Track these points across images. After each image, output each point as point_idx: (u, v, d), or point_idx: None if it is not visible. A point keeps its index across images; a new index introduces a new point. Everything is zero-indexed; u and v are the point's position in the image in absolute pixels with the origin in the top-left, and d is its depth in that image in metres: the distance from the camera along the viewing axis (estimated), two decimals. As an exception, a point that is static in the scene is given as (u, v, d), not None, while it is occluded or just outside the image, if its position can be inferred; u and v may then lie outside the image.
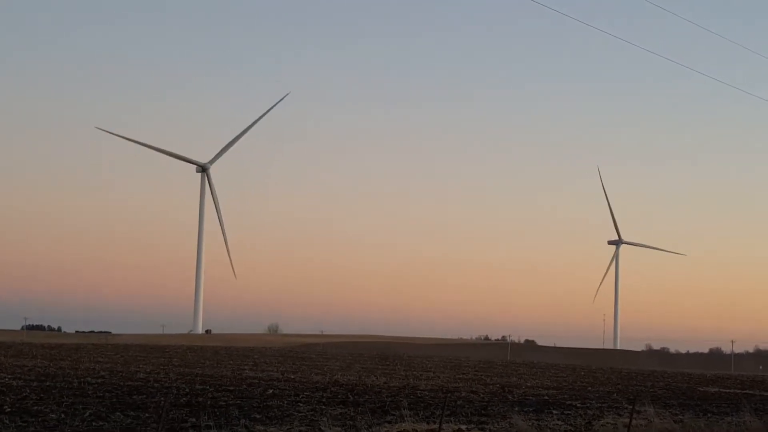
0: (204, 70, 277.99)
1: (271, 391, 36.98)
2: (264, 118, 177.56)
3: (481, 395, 40.28)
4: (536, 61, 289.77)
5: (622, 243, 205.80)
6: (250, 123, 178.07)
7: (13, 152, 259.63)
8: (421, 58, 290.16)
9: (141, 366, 54.77)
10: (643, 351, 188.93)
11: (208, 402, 30.41)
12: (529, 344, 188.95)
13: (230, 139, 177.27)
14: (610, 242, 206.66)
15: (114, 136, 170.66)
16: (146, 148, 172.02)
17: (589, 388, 50.44)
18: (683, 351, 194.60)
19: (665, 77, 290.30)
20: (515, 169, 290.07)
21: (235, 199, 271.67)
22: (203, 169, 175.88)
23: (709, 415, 33.07)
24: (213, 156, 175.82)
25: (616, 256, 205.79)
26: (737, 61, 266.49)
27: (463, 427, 25.94)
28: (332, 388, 40.14)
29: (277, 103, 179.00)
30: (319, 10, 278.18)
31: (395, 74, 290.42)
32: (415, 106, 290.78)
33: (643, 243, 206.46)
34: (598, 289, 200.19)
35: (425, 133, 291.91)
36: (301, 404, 30.75)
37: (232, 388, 38.03)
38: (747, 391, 53.50)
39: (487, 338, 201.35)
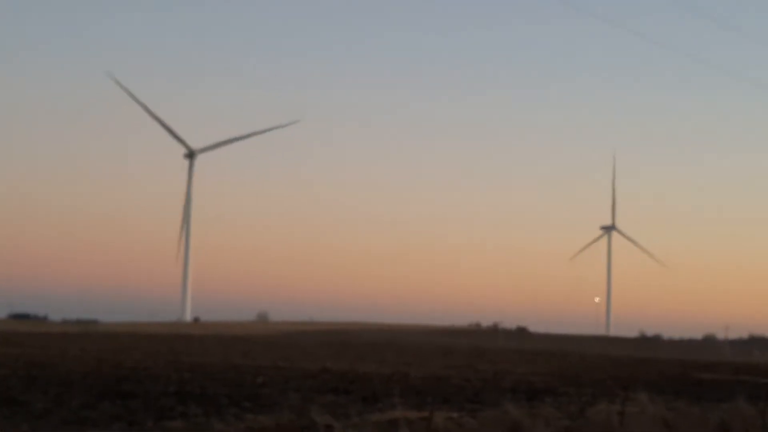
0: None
1: (260, 379, 36.68)
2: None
3: (473, 382, 40.07)
4: (539, 56, 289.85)
5: (614, 230, 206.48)
6: (252, 131, 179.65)
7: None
8: (425, 52, 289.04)
9: (129, 354, 54.32)
10: (636, 337, 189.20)
11: (197, 390, 30.10)
12: (521, 331, 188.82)
13: (228, 138, 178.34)
14: (603, 228, 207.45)
15: (123, 90, 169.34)
16: (145, 113, 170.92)
17: (582, 375, 50.27)
18: (677, 337, 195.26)
19: (660, 65, 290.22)
20: (506, 153, 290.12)
21: (224, 185, 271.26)
22: (191, 154, 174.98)
23: (703, 401, 32.91)
24: (205, 146, 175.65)
25: (608, 243, 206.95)
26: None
27: (455, 414, 25.69)
28: (322, 376, 39.88)
29: (280, 126, 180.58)
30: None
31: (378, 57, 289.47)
32: (410, 93, 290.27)
33: (634, 239, 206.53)
34: None
35: (418, 118, 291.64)
36: (291, 392, 30.44)
37: (221, 376, 37.71)
38: (741, 378, 53.45)
39: (478, 325, 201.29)
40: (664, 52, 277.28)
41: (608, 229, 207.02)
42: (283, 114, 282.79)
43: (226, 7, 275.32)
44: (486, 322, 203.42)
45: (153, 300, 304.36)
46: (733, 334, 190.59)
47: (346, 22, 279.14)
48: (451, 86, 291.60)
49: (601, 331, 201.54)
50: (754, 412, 27.55)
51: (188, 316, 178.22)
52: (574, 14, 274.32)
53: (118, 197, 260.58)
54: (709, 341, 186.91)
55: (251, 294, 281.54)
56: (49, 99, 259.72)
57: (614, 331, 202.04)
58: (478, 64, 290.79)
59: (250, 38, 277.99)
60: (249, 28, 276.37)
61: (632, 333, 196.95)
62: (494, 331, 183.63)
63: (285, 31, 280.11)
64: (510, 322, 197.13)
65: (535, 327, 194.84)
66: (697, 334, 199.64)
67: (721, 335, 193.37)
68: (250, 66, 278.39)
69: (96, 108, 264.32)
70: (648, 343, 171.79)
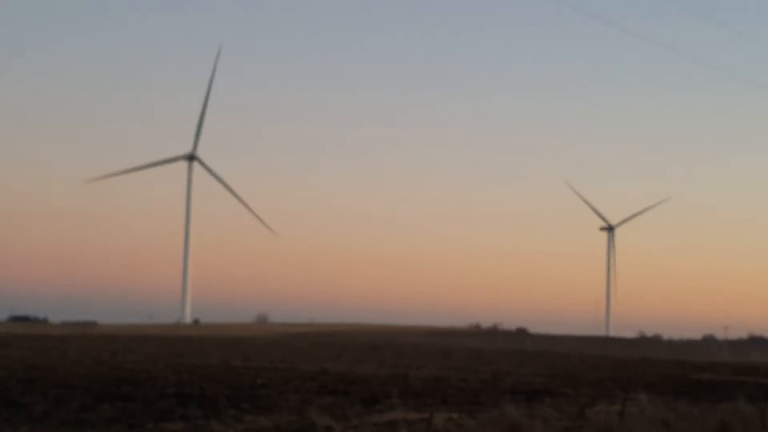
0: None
1: (260, 380, 36.66)
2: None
3: (472, 384, 40.04)
4: (539, 58, 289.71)
5: (614, 228, 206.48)
6: (245, 202, 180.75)
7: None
8: (426, 53, 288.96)
9: (128, 356, 54.33)
10: (635, 338, 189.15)
11: (197, 392, 30.08)
12: (521, 332, 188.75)
13: (224, 180, 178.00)
14: (602, 228, 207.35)
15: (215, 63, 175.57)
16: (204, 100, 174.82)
17: (582, 376, 50.24)
18: (676, 337, 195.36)
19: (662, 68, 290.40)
20: (505, 154, 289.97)
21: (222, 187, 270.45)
22: (191, 157, 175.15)
23: (702, 402, 32.87)
24: (205, 161, 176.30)
25: (609, 243, 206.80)
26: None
27: (454, 415, 25.67)
28: (322, 378, 39.83)
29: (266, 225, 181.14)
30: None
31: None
32: (411, 94, 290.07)
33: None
34: None
35: (418, 119, 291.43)
36: (290, 394, 30.41)
37: (220, 377, 37.69)
38: (741, 378, 53.41)
39: (478, 326, 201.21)
40: (667, 53, 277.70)
41: (609, 229, 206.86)
42: (288, 114, 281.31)
43: (229, 7, 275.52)
44: (486, 323, 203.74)
45: (153, 302, 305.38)
46: (732, 335, 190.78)
47: (350, 23, 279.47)
48: (453, 88, 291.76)
49: (600, 331, 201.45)
50: (753, 413, 27.53)
51: (188, 318, 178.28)
52: (577, 16, 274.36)
53: (117, 199, 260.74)
54: (708, 342, 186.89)
55: (251, 296, 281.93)
56: (49, 100, 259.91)
57: (614, 332, 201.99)
58: (478, 66, 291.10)
59: (252, 38, 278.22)
60: (251, 27, 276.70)
61: (631, 334, 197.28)
62: (494, 332, 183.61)
63: (288, 31, 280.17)
64: (509, 323, 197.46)
65: (535, 328, 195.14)
66: (697, 335, 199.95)
67: (720, 336, 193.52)
68: (252, 66, 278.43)
69: (98, 108, 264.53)
70: (647, 343, 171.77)
